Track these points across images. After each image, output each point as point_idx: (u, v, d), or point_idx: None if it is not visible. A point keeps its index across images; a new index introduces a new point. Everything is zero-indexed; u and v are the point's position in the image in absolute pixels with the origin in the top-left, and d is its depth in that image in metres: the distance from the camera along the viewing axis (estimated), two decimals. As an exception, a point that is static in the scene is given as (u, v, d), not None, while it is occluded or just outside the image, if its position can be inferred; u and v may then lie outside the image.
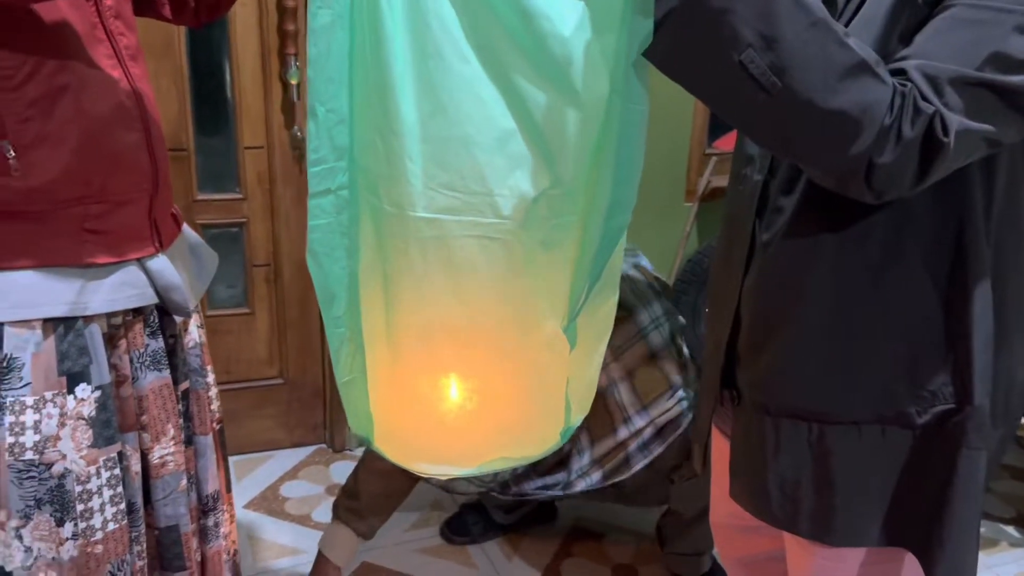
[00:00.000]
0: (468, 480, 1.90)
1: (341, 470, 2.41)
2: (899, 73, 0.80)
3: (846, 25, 0.89)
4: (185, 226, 1.23)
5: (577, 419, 1.21)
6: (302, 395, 2.44)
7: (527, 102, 0.97)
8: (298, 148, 2.26)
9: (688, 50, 0.82)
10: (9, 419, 0.96)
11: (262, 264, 2.35)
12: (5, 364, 0.95)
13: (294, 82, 2.21)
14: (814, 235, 0.94)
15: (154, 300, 1.10)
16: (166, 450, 1.12)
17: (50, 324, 0.98)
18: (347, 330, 1.10)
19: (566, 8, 0.94)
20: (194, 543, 1.19)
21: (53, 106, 0.94)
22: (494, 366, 1.14)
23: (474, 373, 1.16)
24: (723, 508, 1.23)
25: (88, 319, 1.01)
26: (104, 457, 1.02)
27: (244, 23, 2.15)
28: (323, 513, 2.20)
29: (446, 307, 1.07)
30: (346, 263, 1.07)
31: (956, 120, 0.78)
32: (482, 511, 2.19)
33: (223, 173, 2.27)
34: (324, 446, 2.54)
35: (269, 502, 2.23)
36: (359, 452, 2.49)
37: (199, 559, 1.22)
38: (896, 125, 0.78)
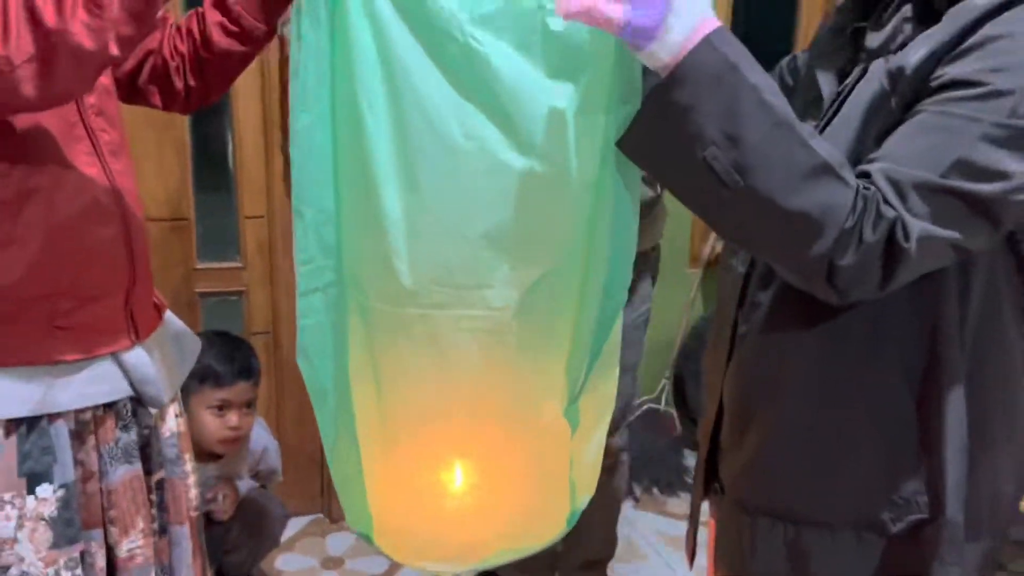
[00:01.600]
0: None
1: (337, 542, 2.38)
2: (865, 176, 0.80)
3: (826, 125, 0.89)
4: (168, 314, 1.22)
5: (583, 501, 1.20)
6: (298, 463, 2.42)
7: (516, 187, 0.96)
8: (298, 217, 2.28)
9: (655, 143, 0.83)
10: None
11: (261, 332, 2.35)
12: None
13: (295, 153, 2.23)
14: (789, 331, 0.93)
15: (128, 393, 1.09)
16: (134, 543, 1.10)
17: (12, 424, 0.98)
18: (339, 429, 1.10)
19: (557, 89, 0.94)
20: None
21: (21, 208, 0.95)
22: (493, 457, 1.13)
23: (473, 466, 1.15)
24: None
25: (54, 417, 1.00)
26: (65, 558, 1.00)
27: (246, 95, 2.18)
28: (317, 588, 2.16)
29: (440, 401, 1.07)
30: (337, 361, 1.07)
31: (918, 226, 0.78)
32: None
33: (224, 242, 2.29)
34: (321, 515, 2.50)
35: (262, 576, 2.19)
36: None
37: None
38: (857, 228, 0.78)
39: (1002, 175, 0.77)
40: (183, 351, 1.24)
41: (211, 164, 2.25)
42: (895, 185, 0.79)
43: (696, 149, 0.79)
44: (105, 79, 1.08)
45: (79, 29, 0.80)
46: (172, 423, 1.20)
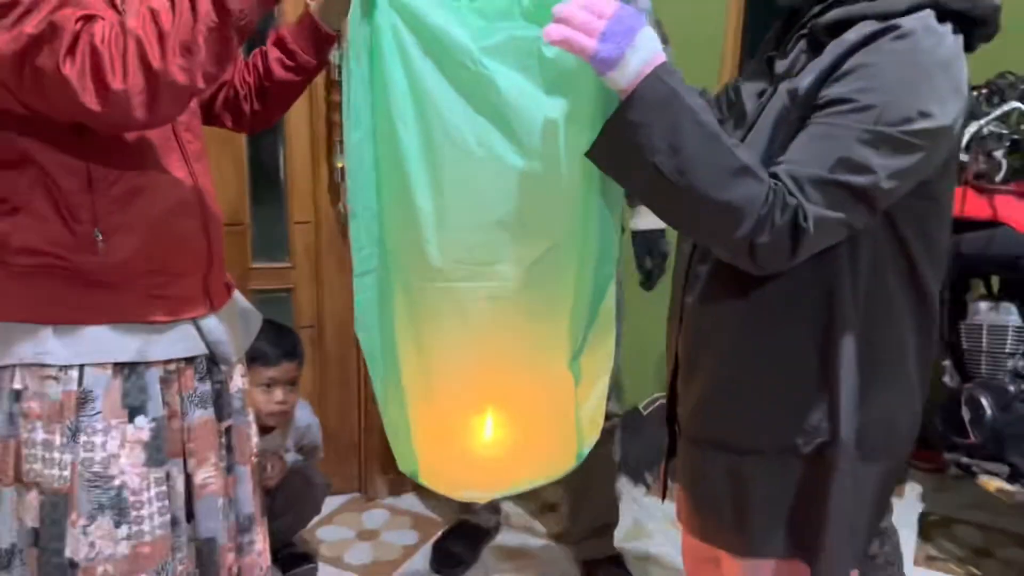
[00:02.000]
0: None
1: (373, 517, 2.62)
2: (774, 175, 1.01)
3: (747, 134, 1.12)
4: (236, 292, 1.48)
5: (589, 442, 1.41)
6: (338, 447, 2.66)
7: (520, 183, 1.17)
8: (341, 223, 2.53)
9: (617, 152, 1.05)
10: (83, 439, 1.19)
11: (307, 326, 2.60)
12: (83, 396, 1.20)
13: (340, 165, 2.49)
14: (721, 298, 1.16)
15: (203, 351, 1.33)
16: (208, 474, 1.34)
17: (119, 367, 1.22)
18: (388, 386, 1.32)
19: (551, 103, 1.14)
20: (230, 557, 1.41)
21: (130, 203, 1.20)
22: (514, 404, 1.34)
23: (498, 411, 1.36)
24: (688, 540, 1.41)
25: (148, 365, 1.25)
26: (154, 475, 1.25)
27: (297, 114, 2.44)
28: (354, 555, 2.40)
29: (467, 358, 1.28)
30: (384, 329, 1.30)
31: (813, 210, 1.00)
32: (461, 532, 2.36)
33: (275, 244, 2.55)
34: (358, 495, 2.74)
35: (305, 544, 2.43)
36: (390, 501, 2.70)
37: (236, 572, 1.44)
38: (770, 214, 1.00)
39: (871, 169, 0.98)
40: (248, 323, 1.49)
41: (265, 176, 2.51)
42: (795, 180, 1.00)
43: (647, 156, 1.00)
44: (192, 102, 1.34)
45: (176, 69, 1.04)
46: (239, 381, 1.45)
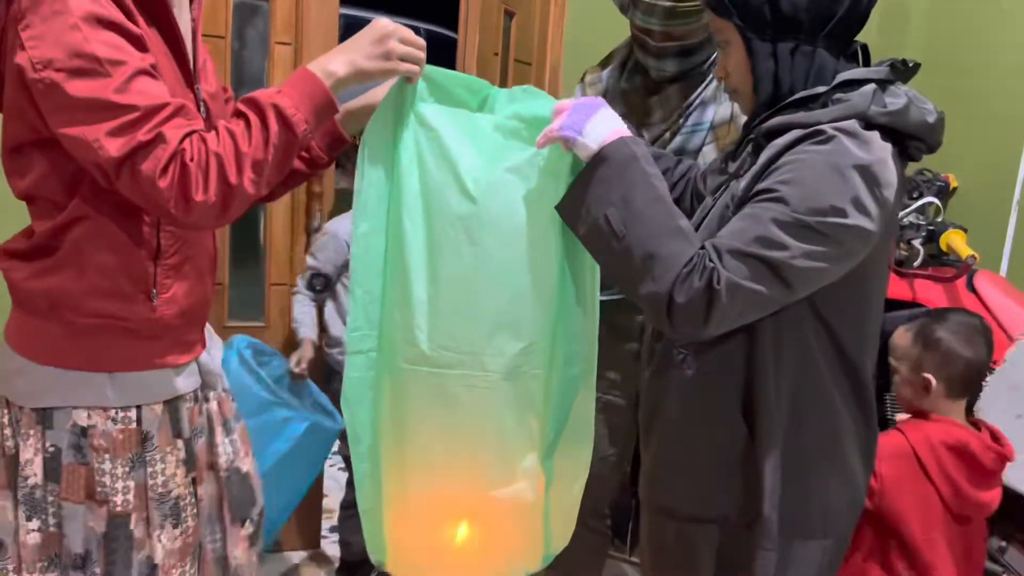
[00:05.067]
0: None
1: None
2: (703, 248, 1.15)
3: (699, 223, 1.28)
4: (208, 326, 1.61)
5: (557, 547, 1.50)
6: (301, 506, 2.72)
7: (506, 280, 1.31)
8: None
9: (579, 204, 1.22)
10: (147, 468, 1.33)
11: (277, 384, 2.70)
12: (144, 434, 1.33)
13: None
14: (668, 375, 1.30)
15: (199, 383, 1.46)
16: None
17: (165, 404, 1.36)
18: (369, 465, 1.40)
19: (543, 214, 1.29)
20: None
21: (181, 269, 1.34)
22: (485, 499, 1.37)
23: (469, 506, 1.40)
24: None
25: (178, 398, 1.38)
26: (187, 482, 1.39)
27: (279, 183, 2.60)
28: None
29: (445, 445, 1.36)
30: (371, 410, 1.38)
31: (727, 276, 1.10)
32: None
33: (251, 304, 2.66)
34: (318, 551, 2.81)
35: None
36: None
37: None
38: (690, 274, 1.12)
39: (784, 246, 1.10)
40: (215, 348, 1.61)
41: (245, 239, 2.65)
42: (716, 250, 1.12)
43: (602, 207, 1.16)
44: None
45: (248, 183, 1.17)
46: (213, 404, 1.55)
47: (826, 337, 1.20)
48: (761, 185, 1.15)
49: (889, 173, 1.13)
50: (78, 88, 1.10)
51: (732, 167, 1.30)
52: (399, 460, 1.39)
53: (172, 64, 1.27)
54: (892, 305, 2.41)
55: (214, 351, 1.57)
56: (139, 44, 1.16)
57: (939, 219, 2.47)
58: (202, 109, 1.33)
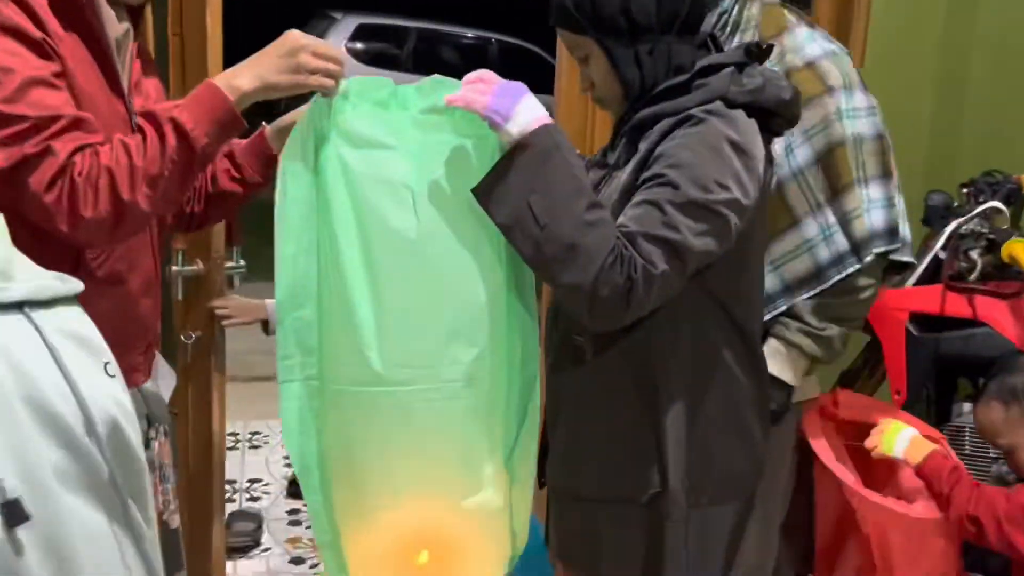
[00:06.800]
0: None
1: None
2: (620, 227, 1.18)
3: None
4: (157, 353, 1.52)
5: (519, 547, 1.43)
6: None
7: (455, 287, 1.27)
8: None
9: (499, 189, 1.20)
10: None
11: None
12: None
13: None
14: (566, 367, 1.36)
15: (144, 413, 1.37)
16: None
17: None
18: (322, 497, 1.34)
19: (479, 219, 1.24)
20: None
21: (113, 285, 1.29)
22: (454, 511, 1.34)
23: (437, 521, 1.35)
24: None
25: None
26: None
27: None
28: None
29: (405, 461, 1.30)
30: (319, 441, 1.32)
31: (641, 263, 1.15)
32: None
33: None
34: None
35: None
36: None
37: None
38: (612, 264, 1.14)
39: (683, 227, 1.16)
40: (167, 383, 1.53)
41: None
42: (628, 237, 1.17)
43: (525, 194, 1.16)
44: None
45: (142, 199, 1.14)
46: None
47: (715, 307, 1.28)
48: (647, 173, 1.21)
49: (757, 148, 1.23)
50: None
51: (610, 158, 1.35)
52: (356, 487, 1.33)
53: (96, 72, 1.23)
54: (951, 323, 2.15)
55: (163, 384, 1.48)
56: (40, 50, 1.13)
57: (1005, 227, 2.18)
58: (133, 122, 1.27)
